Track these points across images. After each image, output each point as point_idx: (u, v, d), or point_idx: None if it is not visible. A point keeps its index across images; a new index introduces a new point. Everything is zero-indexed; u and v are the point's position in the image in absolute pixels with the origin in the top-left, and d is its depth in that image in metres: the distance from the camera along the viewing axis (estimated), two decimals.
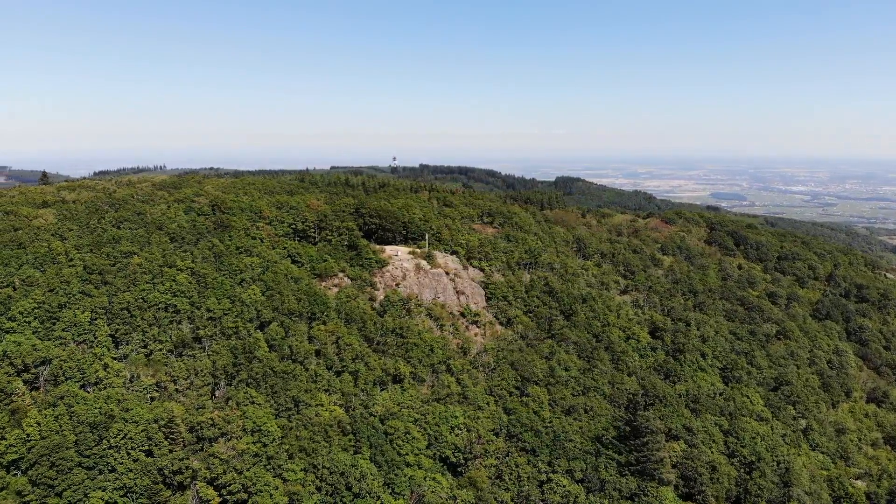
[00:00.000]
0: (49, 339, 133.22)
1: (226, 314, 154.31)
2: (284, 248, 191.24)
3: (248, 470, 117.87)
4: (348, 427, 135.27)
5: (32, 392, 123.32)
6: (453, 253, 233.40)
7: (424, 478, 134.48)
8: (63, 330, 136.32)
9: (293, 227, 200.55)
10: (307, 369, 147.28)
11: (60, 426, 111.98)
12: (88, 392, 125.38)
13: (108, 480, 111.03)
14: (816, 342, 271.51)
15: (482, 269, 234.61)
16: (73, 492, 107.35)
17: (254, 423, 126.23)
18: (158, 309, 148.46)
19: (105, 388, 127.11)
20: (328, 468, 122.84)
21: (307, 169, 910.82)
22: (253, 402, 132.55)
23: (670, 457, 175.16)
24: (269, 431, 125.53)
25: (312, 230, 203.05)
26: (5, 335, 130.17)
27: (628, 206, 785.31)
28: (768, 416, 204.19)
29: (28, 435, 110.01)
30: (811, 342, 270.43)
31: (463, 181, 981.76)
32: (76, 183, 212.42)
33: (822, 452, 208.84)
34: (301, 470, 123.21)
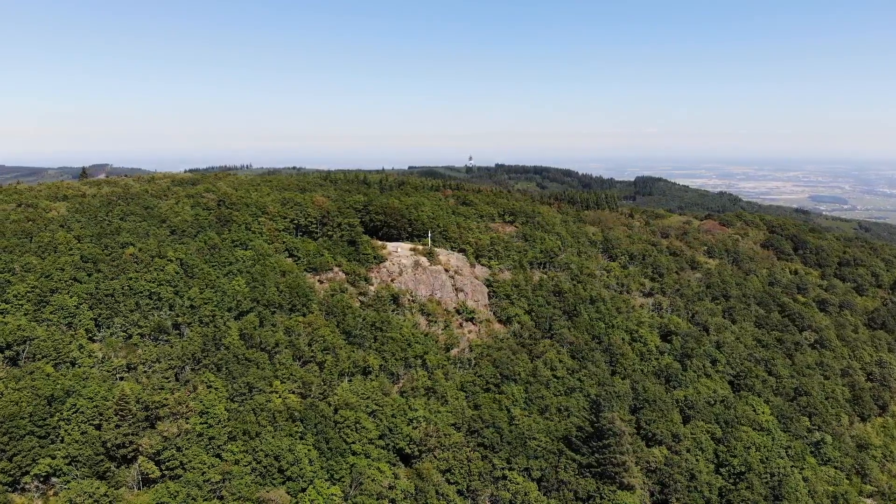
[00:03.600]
0: (36, 321, 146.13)
1: (206, 303, 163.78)
2: (283, 242, 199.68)
3: (188, 448, 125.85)
4: (297, 414, 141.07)
5: (10, 367, 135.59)
6: (461, 251, 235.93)
7: (368, 466, 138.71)
8: (51, 312, 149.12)
9: (295, 222, 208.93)
10: (272, 358, 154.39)
11: (20, 398, 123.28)
12: (59, 370, 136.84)
13: (59, 449, 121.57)
14: (857, 352, 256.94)
15: (490, 268, 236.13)
16: (23, 457, 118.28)
17: (203, 405, 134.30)
18: (142, 296, 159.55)
19: (75, 367, 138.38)
20: (264, 451, 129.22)
21: (383, 168, 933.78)
22: (210, 386, 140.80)
23: (649, 462, 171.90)
24: (216, 414, 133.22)
25: (315, 226, 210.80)
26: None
27: (711, 207, 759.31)
28: (773, 427, 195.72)
29: None
30: (851, 352, 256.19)
31: (537, 181, 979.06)
32: (101, 179, 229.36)
33: (835, 467, 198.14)
34: (240, 451, 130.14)
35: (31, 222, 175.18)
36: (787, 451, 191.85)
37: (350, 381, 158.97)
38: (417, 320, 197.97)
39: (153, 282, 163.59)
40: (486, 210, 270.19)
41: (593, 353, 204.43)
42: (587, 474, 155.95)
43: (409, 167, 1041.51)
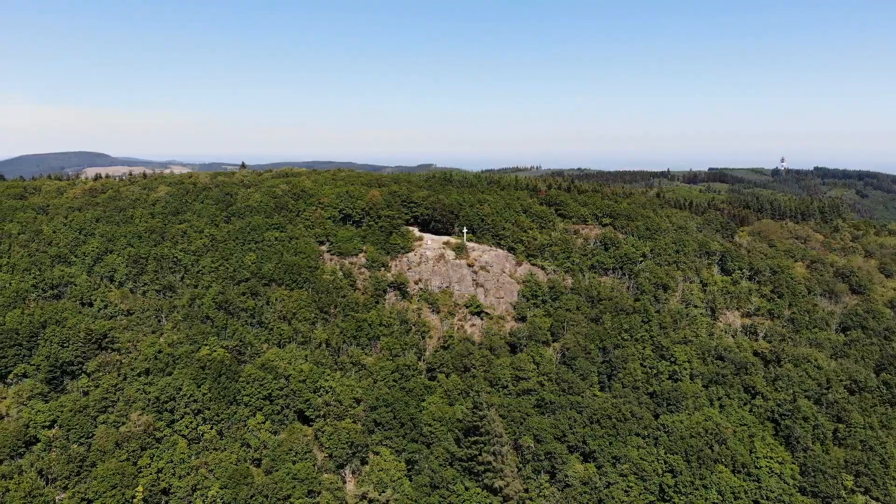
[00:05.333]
0: (87, 273, 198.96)
1: (212, 271, 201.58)
2: (324, 228, 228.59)
3: (109, 374, 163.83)
4: (213, 364, 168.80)
5: (53, 301, 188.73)
6: (510, 249, 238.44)
7: (247, 416, 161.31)
8: (101, 267, 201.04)
9: (343, 212, 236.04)
10: (231, 315, 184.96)
11: (22, 321, 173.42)
12: (82, 308, 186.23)
13: (32, 358, 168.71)
14: None
15: (543, 268, 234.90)
16: (9, 360, 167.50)
17: (146, 346, 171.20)
18: (167, 261, 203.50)
19: (90, 307, 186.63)
20: (158, 385, 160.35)
21: (668, 170, 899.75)
22: (162, 334, 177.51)
23: (567, 476, 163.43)
24: (147, 354, 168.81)
25: (359, 215, 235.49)
26: (66, 267, 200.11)
27: None
28: (763, 474, 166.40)
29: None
30: None
31: (858, 188, 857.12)
32: (230, 172, 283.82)
33: None
34: (144, 384, 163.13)
35: (136, 200, 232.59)
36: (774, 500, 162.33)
37: (283, 347, 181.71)
38: (419, 307, 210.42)
39: (181, 251, 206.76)
40: (578, 211, 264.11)
41: (588, 363, 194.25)
42: (457, 467, 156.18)
43: (710, 168, 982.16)
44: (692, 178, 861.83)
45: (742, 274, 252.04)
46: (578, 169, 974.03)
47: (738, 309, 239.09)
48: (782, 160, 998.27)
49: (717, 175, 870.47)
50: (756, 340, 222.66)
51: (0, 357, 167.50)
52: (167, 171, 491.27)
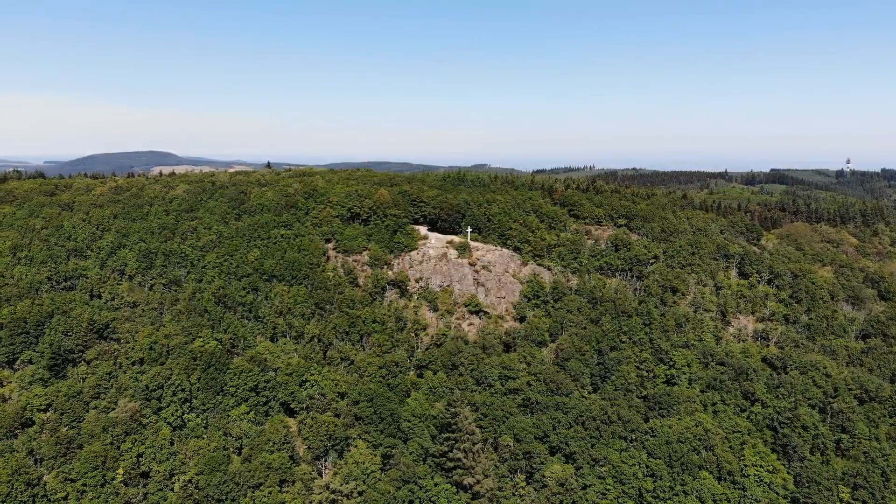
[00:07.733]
0: (100, 267, 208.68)
1: (216, 266, 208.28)
2: (331, 226, 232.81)
3: (105, 361, 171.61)
4: (204, 356, 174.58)
5: (65, 293, 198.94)
6: (516, 249, 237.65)
7: (231, 406, 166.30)
8: (113, 261, 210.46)
9: (351, 210, 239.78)
10: (228, 311, 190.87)
11: (32, 311, 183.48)
12: (91, 301, 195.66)
13: (37, 346, 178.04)
14: None
15: (549, 268, 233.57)
16: (17, 347, 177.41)
17: (143, 336, 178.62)
18: (175, 256, 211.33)
19: (98, 298, 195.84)
20: (149, 375, 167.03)
21: (726, 171, 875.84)
22: (162, 325, 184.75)
23: (545, 476, 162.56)
24: (143, 345, 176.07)
25: (367, 214, 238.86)
26: (81, 260, 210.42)
27: None
28: (749, 483, 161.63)
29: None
30: None
31: None
32: (249, 172, 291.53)
33: None
34: (136, 372, 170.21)
35: (155, 198, 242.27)
36: None
37: (276, 341, 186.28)
38: (418, 305, 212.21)
39: (188, 246, 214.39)
40: (592, 211, 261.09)
41: (581, 364, 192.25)
42: (430, 463, 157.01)
43: (772, 169, 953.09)
44: (751, 179, 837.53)
45: (760, 278, 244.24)
46: (633, 169, 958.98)
47: (752, 313, 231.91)
48: (847, 161, 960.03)
49: (777, 176, 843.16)
50: (767, 346, 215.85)
51: (9, 344, 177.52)
52: (230, 170, 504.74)
